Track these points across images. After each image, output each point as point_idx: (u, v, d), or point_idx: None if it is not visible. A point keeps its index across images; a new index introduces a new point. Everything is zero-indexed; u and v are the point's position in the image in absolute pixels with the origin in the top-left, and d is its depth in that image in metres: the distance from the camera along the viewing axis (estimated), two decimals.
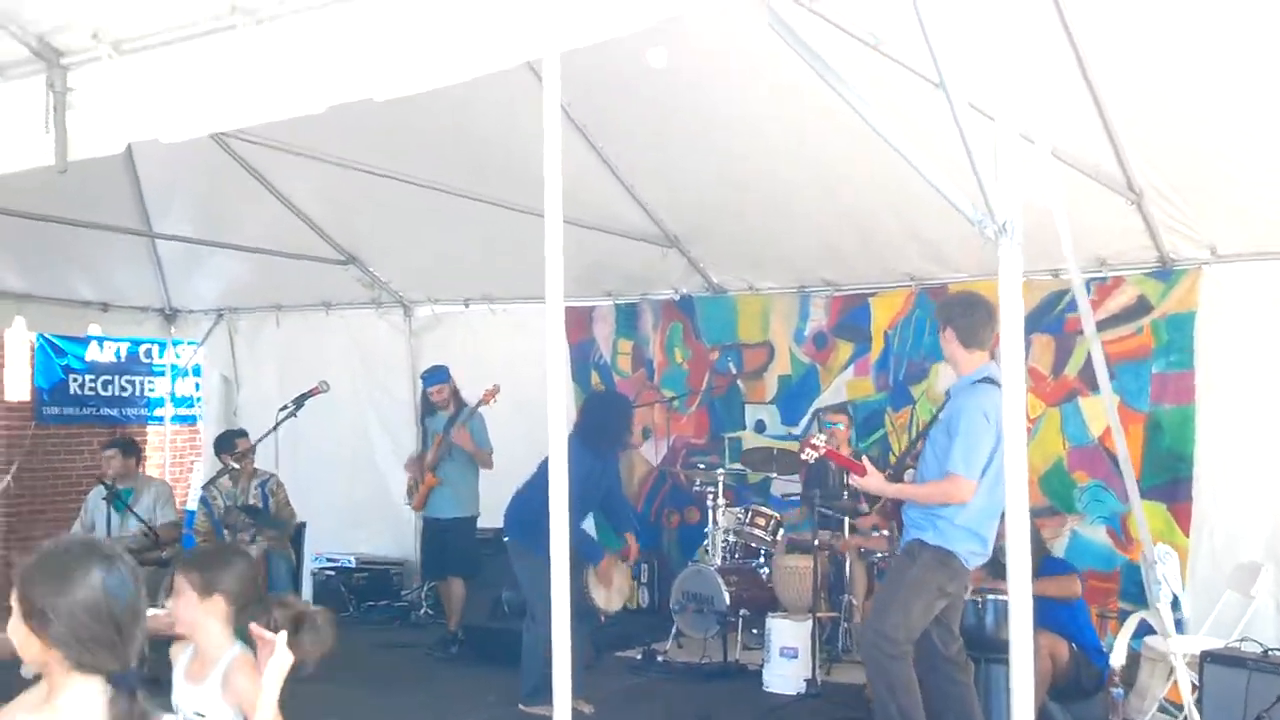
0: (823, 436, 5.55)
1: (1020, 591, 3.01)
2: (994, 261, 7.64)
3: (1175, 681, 6.03)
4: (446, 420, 8.34)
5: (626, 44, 4.97)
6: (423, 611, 9.44)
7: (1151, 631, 6.70)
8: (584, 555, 6.65)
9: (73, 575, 2.23)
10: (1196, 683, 5.70)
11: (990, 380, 5.01)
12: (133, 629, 2.24)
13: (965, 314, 5.09)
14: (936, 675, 5.10)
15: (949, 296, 5.32)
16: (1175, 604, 4.79)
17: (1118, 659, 6.18)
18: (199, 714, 3.45)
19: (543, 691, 5.97)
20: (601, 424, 6.79)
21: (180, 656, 3.60)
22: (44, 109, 4.22)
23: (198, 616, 3.51)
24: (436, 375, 8.49)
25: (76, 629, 2.19)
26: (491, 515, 8.58)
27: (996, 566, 6.08)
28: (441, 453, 8.18)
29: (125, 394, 11.13)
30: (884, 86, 4.06)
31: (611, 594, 6.93)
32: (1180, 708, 5.97)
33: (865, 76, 3.75)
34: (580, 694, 6.14)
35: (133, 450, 8.30)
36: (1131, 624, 6.38)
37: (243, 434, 7.88)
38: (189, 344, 11.23)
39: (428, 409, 8.52)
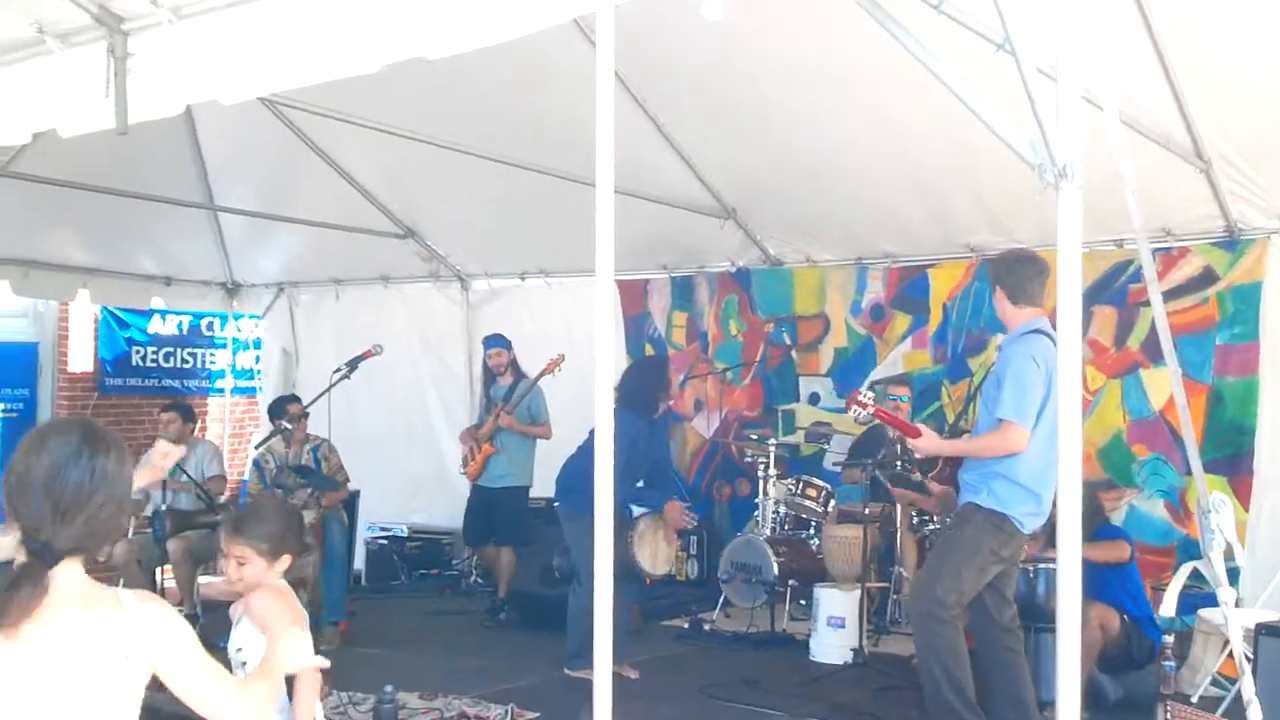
0: (870, 394, 5.50)
1: (1070, 558, 2.99)
2: (1054, 227, 7.56)
3: (1229, 655, 5.97)
4: (506, 390, 8.41)
5: (682, 10, 5.00)
6: (472, 580, 9.51)
7: (1206, 605, 6.62)
8: (647, 503, 6.73)
9: (49, 438, 2.28)
10: (1251, 655, 5.62)
11: (1040, 332, 4.95)
12: (78, 512, 2.24)
13: (1011, 270, 5.03)
14: (989, 642, 5.03)
15: (997, 256, 5.24)
16: (1230, 556, 4.66)
17: (1168, 608, 6.10)
18: (238, 649, 3.52)
19: (585, 655, 5.98)
20: (637, 386, 6.77)
21: (237, 612, 3.67)
22: (105, 74, 4.27)
23: (267, 579, 3.59)
24: (495, 339, 8.55)
25: (25, 484, 2.23)
26: (545, 485, 8.68)
27: (1053, 535, 6.05)
28: (501, 423, 8.24)
29: (187, 366, 11.29)
30: (946, 46, 3.99)
31: (656, 559, 6.78)
32: (1233, 681, 5.90)
33: (928, 35, 3.70)
34: (624, 659, 6.19)
35: (191, 415, 8.45)
36: (1183, 574, 6.30)
37: (295, 399, 7.98)
38: (250, 317, 11.39)
39: (489, 378, 8.58)
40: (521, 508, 8.40)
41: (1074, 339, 3.05)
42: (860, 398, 5.23)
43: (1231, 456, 7.23)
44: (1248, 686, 2.85)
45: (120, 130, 4.29)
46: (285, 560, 3.61)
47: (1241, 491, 7.14)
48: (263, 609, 3.46)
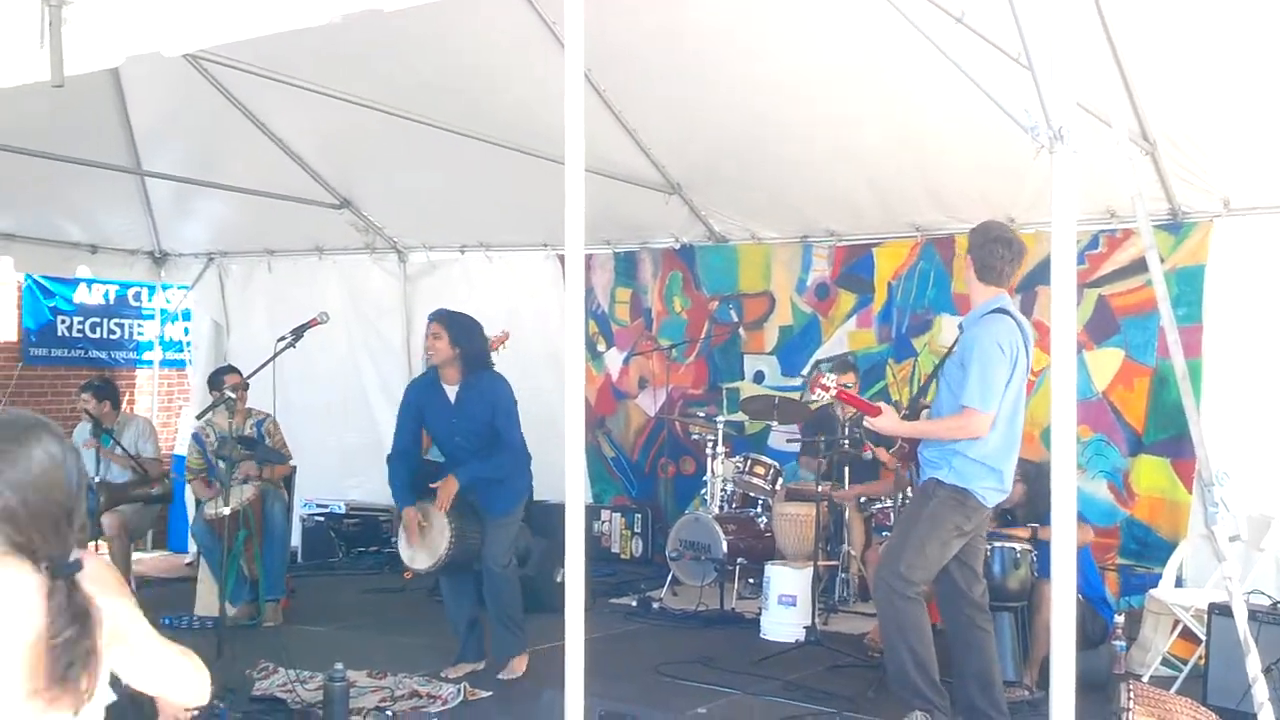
0: (833, 376, 5.43)
1: (1064, 543, 2.94)
2: (1003, 208, 7.55)
3: (1178, 635, 6.02)
4: None
5: None
6: None
7: (1152, 586, 6.69)
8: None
9: (27, 444, 2.02)
10: (1203, 636, 5.67)
11: (1002, 311, 4.91)
12: (77, 514, 2.05)
13: (984, 247, 4.97)
14: (959, 619, 5.01)
15: (980, 224, 5.18)
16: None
17: (1165, 590, 6.14)
18: None
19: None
20: (484, 344, 6.39)
21: None
22: (39, 23, 4.03)
23: None
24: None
25: (24, 502, 1.97)
26: None
27: (1002, 515, 6.05)
28: None
29: (114, 337, 10.96)
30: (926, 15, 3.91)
31: (415, 550, 6.11)
32: (1184, 661, 5.95)
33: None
34: (506, 655, 6.10)
35: (107, 392, 8.12)
36: (1180, 554, 6.42)
37: (235, 370, 7.74)
38: (179, 288, 11.07)
39: None
40: None
41: (1068, 307, 3.00)
42: (823, 381, 5.18)
43: (1175, 438, 7.30)
44: (1253, 664, 2.81)
45: (56, 83, 4.05)
46: None
47: (1184, 473, 7.21)
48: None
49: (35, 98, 3.98)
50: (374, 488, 10.00)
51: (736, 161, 8.03)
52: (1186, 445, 7.25)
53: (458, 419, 6.13)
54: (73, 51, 4.01)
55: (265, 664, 5.92)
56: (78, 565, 1.99)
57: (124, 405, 9.40)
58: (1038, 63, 3.00)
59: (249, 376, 6.95)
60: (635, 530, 9.23)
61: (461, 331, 6.14)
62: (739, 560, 7.82)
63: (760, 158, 7.86)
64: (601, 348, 9.76)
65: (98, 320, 10.84)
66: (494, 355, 8.03)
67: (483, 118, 7.42)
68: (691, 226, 9.15)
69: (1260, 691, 2.82)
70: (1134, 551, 7.46)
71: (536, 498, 9.11)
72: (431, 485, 6.02)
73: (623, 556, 9.24)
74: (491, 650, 6.11)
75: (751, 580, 7.92)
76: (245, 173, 9.04)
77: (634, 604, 7.80)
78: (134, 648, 2.12)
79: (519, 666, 6.07)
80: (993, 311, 4.94)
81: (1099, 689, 5.60)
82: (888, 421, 5.05)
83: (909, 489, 6.24)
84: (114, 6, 3.94)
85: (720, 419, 8.39)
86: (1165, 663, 6.05)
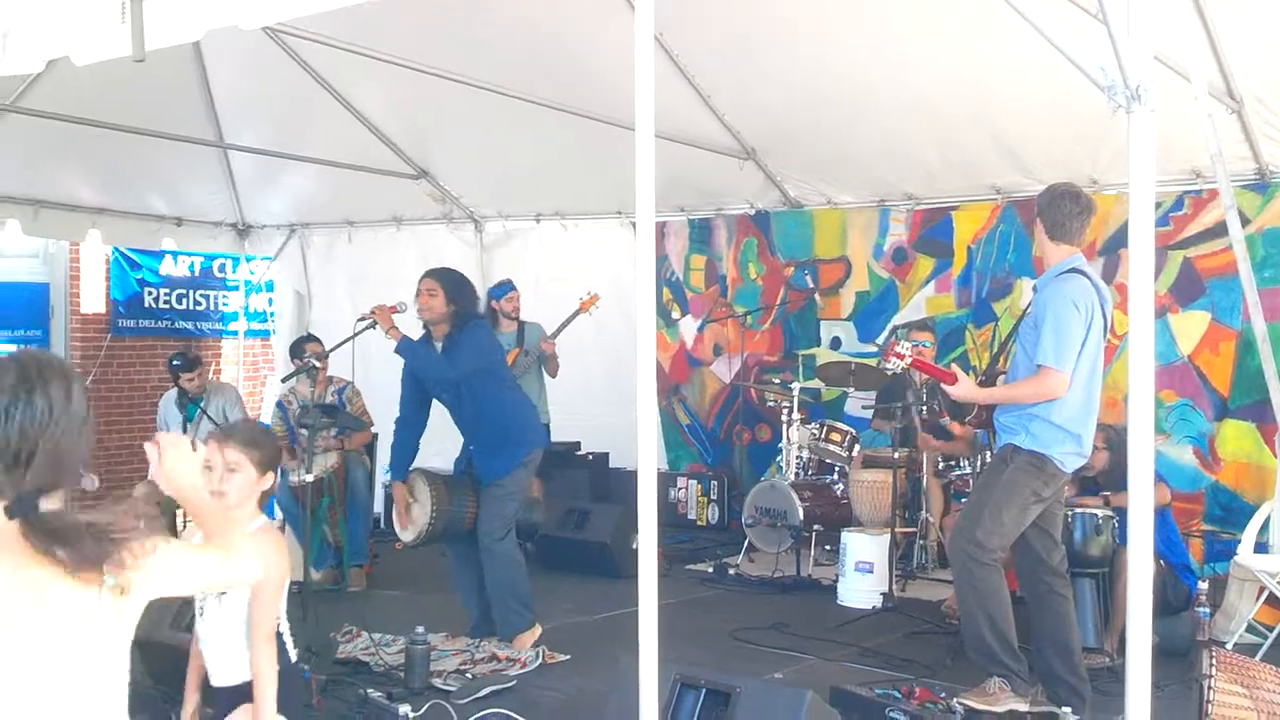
0: (907, 344, 5.37)
1: (1141, 508, 2.90)
2: (1083, 170, 7.43)
3: (1264, 602, 5.91)
4: (515, 335, 8.34)
5: None
6: None
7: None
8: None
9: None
10: None
11: (1077, 270, 4.83)
12: (37, 455, 2.00)
13: (1053, 204, 4.87)
14: (1038, 585, 4.94)
15: (1045, 188, 5.09)
16: None
17: (1246, 549, 6.03)
18: (221, 593, 3.41)
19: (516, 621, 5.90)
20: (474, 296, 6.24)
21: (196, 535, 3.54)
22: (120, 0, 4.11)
23: (251, 494, 3.49)
24: (508, 285, 8.48)
25: None
26: (558, 430, 8.63)
27: (1084, 482, 5.97)
28: (521, 367, 8.18)
29: (200, 308, 11.20)
30: None
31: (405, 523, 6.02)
32: (1270, 628, 5.85)
33: None
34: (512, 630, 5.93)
35: (196, 363, 8.34)
36: (1261, 516, 6.28)
37: (316, 339, 7.88)
38: (262, 259, 11.26)
39: (493, 325, 8.48)
40: (549, 445, 8.35)
41: (1146, 271, 2.95)
42: (898, 349, 5.10)
43: (1260, 402, 7.11)
44: None
45: (137, 57, 4.13)
46: (270, 478, 3.51)
47: (1271, 438, 7.06)
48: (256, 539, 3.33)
49: (118, 73, 4.05)
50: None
51: (811, 125, 7.97)
52: (1272, 410, 7.10)
53: (444, 372, 5.95)
54: (153, 26, 4.08)
55: (349, 628, 6.04)
56: (27, 507, 1.95)
57: (211, 374, 9.61)
58: (1114, 17, 2.93)
59: (330, 351, 7.07)
60: (711, 497, 9.25)
61: (456, 289, 6.00)
62: (815, 527, 7.81)
63: (835, 121, 7.80)
64: (676, 315, 9.77)
65: (183, 292, 11.07)
66: (584, 316, 8.20)
67: (557, 86, 7.44)
68: (766, 192, 9.11)
69: None
70: (1219, 517, 7.33)
71: (614, 464, 9.26)
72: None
73: (699, 523, 9.27)
74: (498, 629, 5.99)
75: (828, 547, 7.91)
76: (325, 145, 9.16)
77: (710, 570, 7.83)
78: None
79: (526, 641, 5.88)
80: (1067, 271, 4.85)
81: (1181, 656, 5.55)
82: (963, 388, 4.99)
83: (987, 453, 6.19)
84: None
85: (796, 385, 8.37)
86: (1250, 630, 5.95)
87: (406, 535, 5.99)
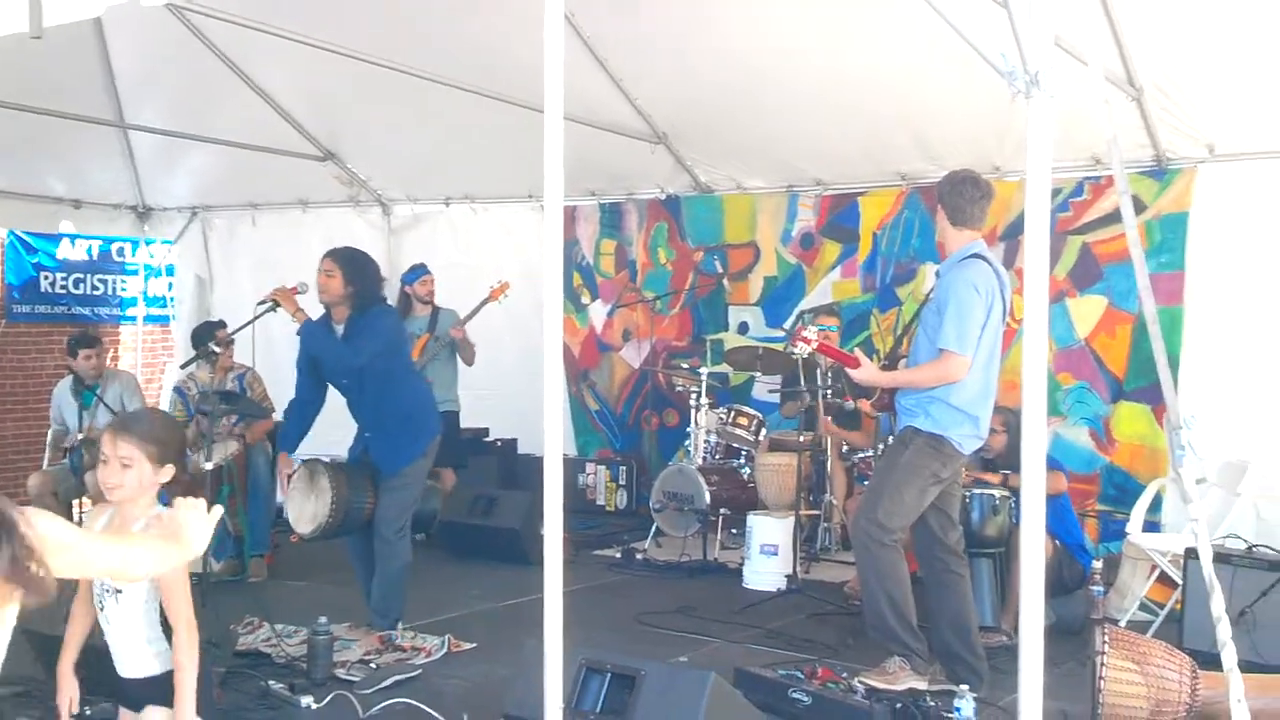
0: (814, 329, 5.43)
1: (1034, 489, 2.96)
2: (988, 156, 7.52)
3: (1155, 580, 6.08)
4: (428, 320, 8.27)
5: None
6: None
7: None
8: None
9: None
10: (1180, 580, 5.73)
11: (978, 256, 4.91)
12: None
13: (954, 190, 4.95)
14: (934, 564, 5.04)
15: (944, 175, 5.16)
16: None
17: (1135, 527, 6.18)
18: (118, 591, 3.34)
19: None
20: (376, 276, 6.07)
21: (98, 520, 3.46)
22: None
23: (147, 487, 3.36)
24: (419, 269, 8.41)
25: None
26: (466, 416, 8.59)
27: (985, 462, 6.09)
28: (430, 353, 8.11)
29: (98, 293, 10.91)
30: None
31: (301, 513, 5.84)
32: (1161, 605, 6.01)
33: None
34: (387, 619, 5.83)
35: (100, 342, 8.15)
36: (1149, 494, 6.44)
37: (222, 325, 7.73)
38: (162, 243, 11.03)
39: (406, 308, 8.40)
40: (457, 433, 8.36)
41: (1041, 257, 3.00)
42: (804, 334, 5.17)
43: (1155, 385, 7.23)
44: (1217, 604, 2.84)
45: (35, 34, 4.02)
46: (169, 470, 3.39)
47: (1164, 420, 7.23)
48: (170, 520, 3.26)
49: (15, 50, 3.93)
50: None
51: (722, 110, 7.98)
52: None
53: (343, 358, 5.78)
54: (52, 1, 3.97)
55: (249, 619, 5.95)
56: None
57: (108, 361, 9.38)
58: (1015, 4, 2.98)
59: (231, 334, 6.94)
60: (619, 482, 9.27)
61: (355, 270, 5.84)
62: (722, 511, 7.87)
63: (746, 107, 7.82)
64: (586, 300, 9.75)
65: (81, 276, 10.78)
66: (494, 304, 8.14)
67: (467, 67, 7.37)
68: (677, 177, 9.12)
69: (1223, 631, 2.85)
70: (1113, 498, 7.51)
71: (522, 450, 9.23)
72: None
73: (607, 509, 9.28)
74: (373, 617, 5.86)
75: (735, 531, 7.97)
76: (229, 125, 8.99)
77: (618, 556, 7.85)
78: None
79: (377, 641, 5.71)
80: (969, 257, 4.94)
81: (1077, 634, 5.67)
82: (866, 372, 5.06)
83: (890, 438, 6.26)
84: None
85: (704, 370, 8.40)
86: (1143, 607, 6.10)
87: (303, 526, 5.83)
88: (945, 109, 7.25)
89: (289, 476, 5.89)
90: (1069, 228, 7.65)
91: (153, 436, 3.38)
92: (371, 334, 5.74)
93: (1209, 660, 4.66)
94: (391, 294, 9.18)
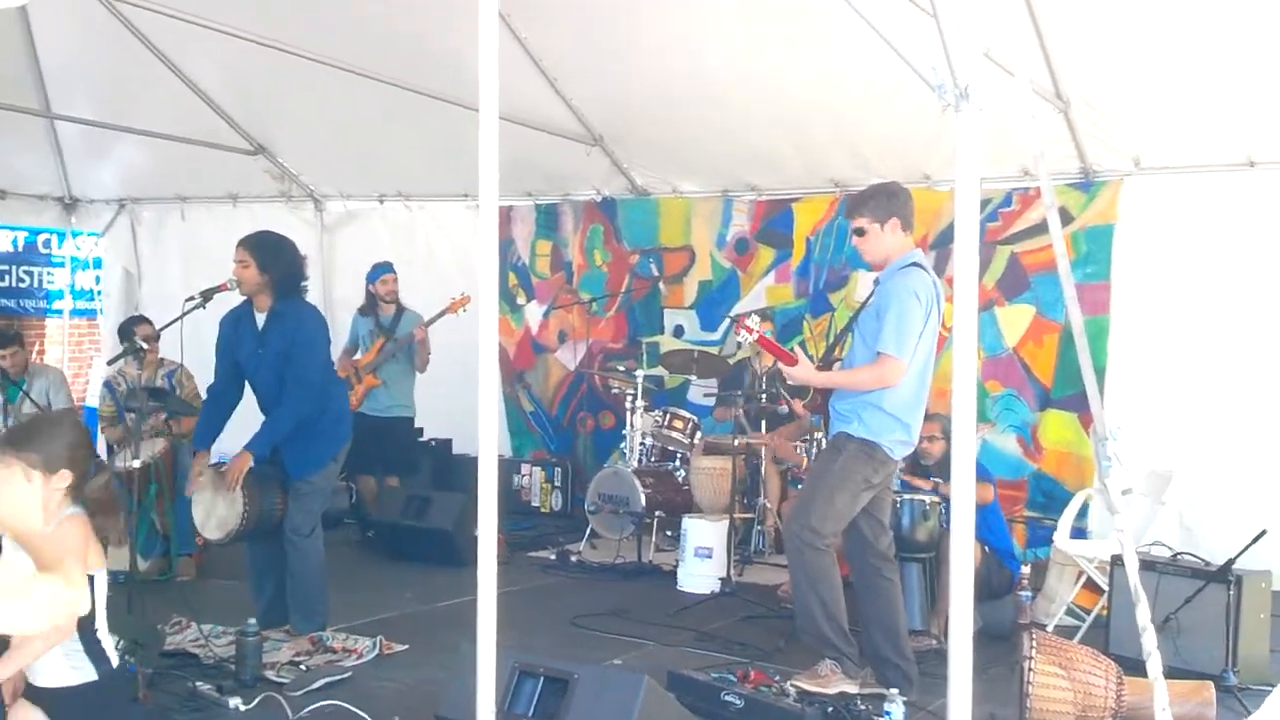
0: (757, 319, 5.46)
1: (963, 496, 2.99)
2: (919, 166, 7.62)
3: (1082, 586, 6.19)
4: (391, 320, 8.23)
5: None
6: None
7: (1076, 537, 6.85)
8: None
9: None
10: (1106, 586, 5.83)
11: (917, 265, 4.98)
12: None
13: (894, 199, 5.00)
14: (865, 568, 5.08)
15: (873, 190, 5.19)
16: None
17: (1062, 535, 6.28)
18: None
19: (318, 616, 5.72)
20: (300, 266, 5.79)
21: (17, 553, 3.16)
22: None
23: (34, 499, 3.15)
24: (386, 266, 8.39)
25: None
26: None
27: (915, 465, 6.16)
28: (386, 354, 8.04)
29: (23, 285, 10.70)
30: None
31: (208, 516, 5.68)
32: (1088, 611, 6.12)
33: None
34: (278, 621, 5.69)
35: (17, 339, 7.94)
36: (1077, 503, 6.53)
37: (146, 320, 7.59)
38: (89, 235, 10.83)
39: (372, 306, 8.34)
40: (412, 439, 8.35)
41: (970, 265, 3.04)
42: (748, 323, 5.18)
43: (1082, 393, 7.39)
44: (1142, 613, 2.90)
45: None
46: (65, 474, 3.22)
47: (1090, 428, 7.37)
48: (62, 535, 3.18)
49: None
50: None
51: (658, 114, 8.02)
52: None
53: (263, 351, 5.56)
54: None
55: (177, 619, 5.85)
56: None
57: (34, 356, 9.19)
58: (945, 18, 3.01)
59: (160, 330, 6.81)
60: (555, 484, 9.26)
61: (270, 256, 5.54)
62: (657, 513, 7.88)
63: (683, 111, 7.86)
64: (521, 301, 9.73)
65: (5, 268, 10.58)
66: (453, 317, 8.05)
67: (402, 64, 7.33)
68: (613, 179, 9.13)
69: (1149, 640, 2.91)
70: (1041, 504, 7.65)
71: (457, 451, 9.18)
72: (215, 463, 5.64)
73: (542, 510, 9.26)
74: (294, 622, 5.72)
75: (669, 533, 7.98)
76: (157, 117, 8.85)
77: (552, 557, 7.83)
78: None
79: (308, 643, 5.59)
80: (910, 265, 5.00)
81: (1005, 639, 5.74)
82: (803, 371, 5.08)
83: (816, 434, 6.31)
84: None
85: (640, 373, 8.41)
86: (1070, 613, 6.20)
87: (211, 531, 5.67)
88: (878, 118, 7.34)
89: (198, 475, 5.68)
90: (998, 238, 7.78)
91: (29, 443, 3.20)
92: (280, 329, 5.53)
93: (1134, 665, 4.76)
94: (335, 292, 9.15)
